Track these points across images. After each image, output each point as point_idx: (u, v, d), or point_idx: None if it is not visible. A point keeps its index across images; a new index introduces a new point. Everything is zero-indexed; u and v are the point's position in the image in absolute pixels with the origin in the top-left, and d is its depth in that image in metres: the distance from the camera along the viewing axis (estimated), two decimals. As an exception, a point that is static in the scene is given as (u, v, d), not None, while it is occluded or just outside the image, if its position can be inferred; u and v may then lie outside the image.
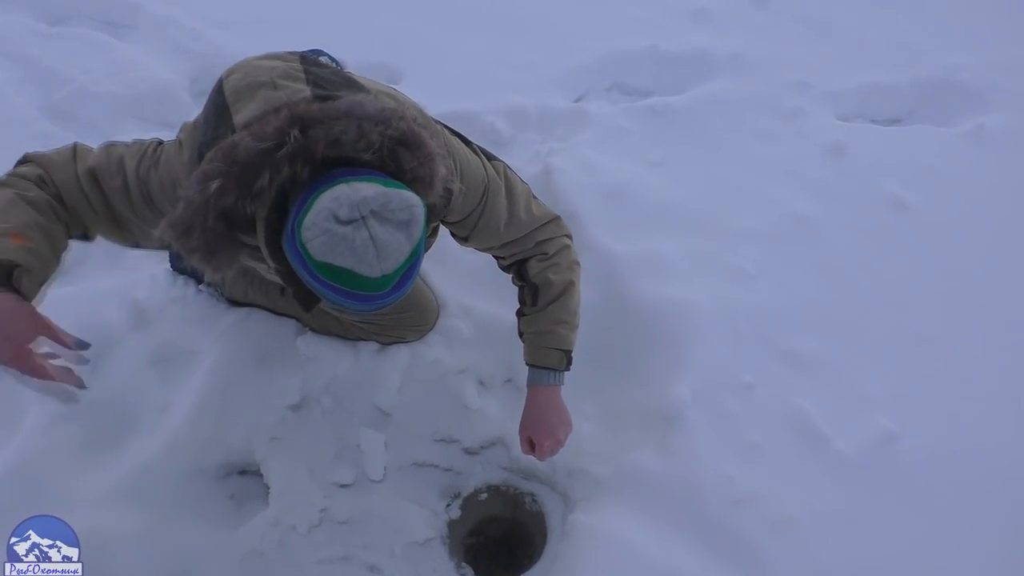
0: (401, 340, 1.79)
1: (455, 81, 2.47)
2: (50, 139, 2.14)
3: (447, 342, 1.82)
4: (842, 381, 1.75)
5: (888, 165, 2.29)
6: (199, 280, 1.88)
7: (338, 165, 1.05)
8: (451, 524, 1.70)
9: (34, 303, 1.16)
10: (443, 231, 1.52)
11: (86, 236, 1.30)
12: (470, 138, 1.45)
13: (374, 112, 1.08)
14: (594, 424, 1.74)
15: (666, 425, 1.66)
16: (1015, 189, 2.27)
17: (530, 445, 1.53)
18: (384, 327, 1.75)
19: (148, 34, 2.71)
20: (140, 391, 1.75)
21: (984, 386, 1.77)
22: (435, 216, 1.34)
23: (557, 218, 1.51)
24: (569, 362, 1.54)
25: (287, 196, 1.06)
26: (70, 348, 1.19)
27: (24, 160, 1.26)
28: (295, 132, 1.03)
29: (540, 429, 1.52)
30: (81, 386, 1.21)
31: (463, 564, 1.66)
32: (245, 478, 1.72)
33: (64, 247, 1.25)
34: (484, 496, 1.75)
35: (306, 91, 1.16)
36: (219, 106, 1.18)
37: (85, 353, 1.22)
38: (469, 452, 1.76)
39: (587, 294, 1.85)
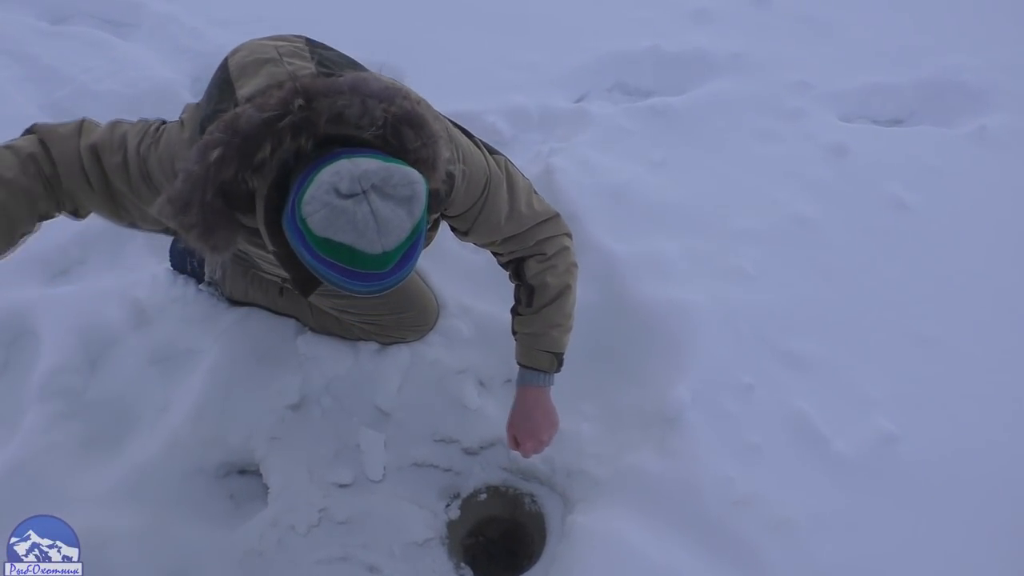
0: (401, 340, 1.79)
1: (456, 81, 2.47)
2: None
3: (447, 342, 1.82)
4: (842, 382, 1.74)
5: (889, 166, 2.29)
6: (199, 279, 1.88)
7: (339, 144, 1.04)
8: (450, 524, 1.70)
9: None
10: (443, 228, 1.51)
11: (76, 213, 1.29)
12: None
13: (378, 89, 1.08)
14: (593, 425, 1.74)
15: (666, 426, 1.66)
16: (1017, 190, 2.26)
17: (515, 442, 1.56)
18: (384, 327, 1.75)
19: (149, 33, 2.71)
20: (140, 390, 1.75)
21: (984, 387, 1.76)
22: (437, 206, 1.31)
23: (557, 215, 1.51)
24: (560, 364, 1.54)
25: (288, 173, 1.05)
26: None
27: (30, 130, 1.26)
28: (299, 102, 1.02)
29: (524, 429, 1.54)
30: None
31: (462, 564, 1.66)
32: (245, 478, 1.73)
33: (25, 228, 1.23)
34: (483, 496, 1.75)
35: (311, 67, 1.16)
36: (223, 81, 1.18)
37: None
38: (468, 452, 1.76)
39: (587, 294, 1.86)
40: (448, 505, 1.73)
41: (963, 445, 1.66)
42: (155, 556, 1.51)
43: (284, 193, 1.05)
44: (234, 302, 1.87)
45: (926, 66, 2.72)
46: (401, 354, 1.78)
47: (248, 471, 1.72)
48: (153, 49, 2.62)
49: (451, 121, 1.40)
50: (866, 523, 1.53)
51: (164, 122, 1.30)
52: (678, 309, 1.82)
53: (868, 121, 2.57)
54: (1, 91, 2.36)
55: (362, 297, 1.24)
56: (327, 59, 1.21)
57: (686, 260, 1.95)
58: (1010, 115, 2.50)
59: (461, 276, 1.95)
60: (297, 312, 1.82)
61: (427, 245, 1.42)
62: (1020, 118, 2.49)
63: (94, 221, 1.38)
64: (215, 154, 1.02)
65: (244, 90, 1.14)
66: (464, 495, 1.74)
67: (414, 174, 1.01)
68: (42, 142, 1.23)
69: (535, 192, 1.50)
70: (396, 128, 1.07)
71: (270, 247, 1.12)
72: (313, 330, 1.81)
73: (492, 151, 1.44)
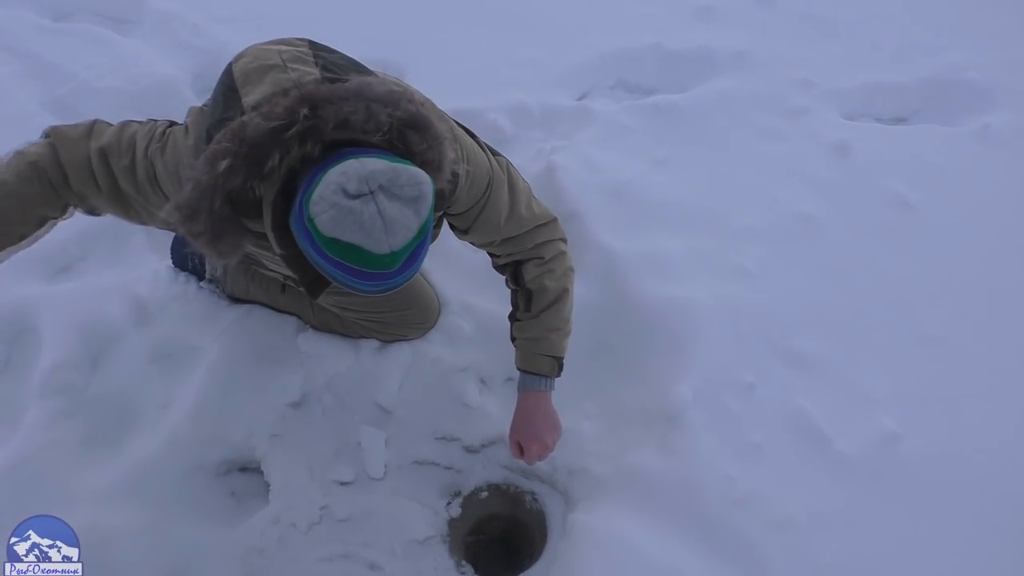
0: (402, 338, 1.79)
1: (458, 78, 2.46)
2: (52, 135, 2.14)
3: (448, 340, 1.82)
4: (844, 381, 1.74)
5: (893, 164, 2.28)
6: (200, 277, 1.88)
7: (345, 146, 1.05)
8: (451, 522, 1.70)
9: None
10: (444, 228, 1.52)
11: (92, 212, 1.34)
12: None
13: (383, 93, 1.09)
14: (595, 423, 1.73)
15: (667, 424, 1.65)
16: (1021, 189, 2.26)
17: (519, 449, 1.56)
18: (385, 325, 1.75)
19: (151, 30, 2.71)
20: (141, 387, 1.75)
21: (987, 386, 1.76)
22: (441, 204, 1.32)
23: (555, 219, 1.52)
24: (560, 368, 1.55)
25: (295, 178, 1.06)
26: None
27: (45, 134, 1.30)
28: (305, 111, 1.03)
29: (528, 434, 1.54)
30: None
31: (463, 562, 1.66)
32: (245, 475, 1.72)
33: (24, 228, 1.30)
34: (484, 494, 1.75)
35: (315, 73, 1.17)
36: (228, 88, 1.19)
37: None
38: (470, 450, 1.76)
39: (589, 292, 1.85)
40: (449, 503, 1.73)
41: (965, 444, 1.65)
42: (155, 553, 1.51)
43: (291, 198, 1.07)
44: (235, 299, 1.87)
45: (930, 64, 2.71)
46: (402, 352, 1.78)
47: (249, 469, 1.72)
48: (155, 46, 2.62)
49: (455, 121, 1.40)
50: (868, 522, 1.53)
51: (172, 124, 1.31)
52: (680, 307, 1.82)
53: (872, 119, 2.57)
54: (3, 88, 2.35)
55: (365, 295, 1.25)
56: (331, 63, 1.21)
57: (688, 258, 1.94)
58: (1014, 113, 2.49)
59: (463, 274, 1.94)
60: (298, 310, 1.82)
61: (432, 241, 1.42)
62: (1024, 116, 2.49)
63: (95, 218, 1.40)
64: (223, 164, 1.03)
65: (249, 97, 1.14)
66: (465, 493, 1.74)
67: (421, 174, 1.02)
68: (52, 146, 1.27)
69: (534, 196, 1.51)
70: (401, 132, 1.08)
71: (278, 251, 1.13)
72: (314, 328, 1.81)
73: (495, 153, 1.45)
